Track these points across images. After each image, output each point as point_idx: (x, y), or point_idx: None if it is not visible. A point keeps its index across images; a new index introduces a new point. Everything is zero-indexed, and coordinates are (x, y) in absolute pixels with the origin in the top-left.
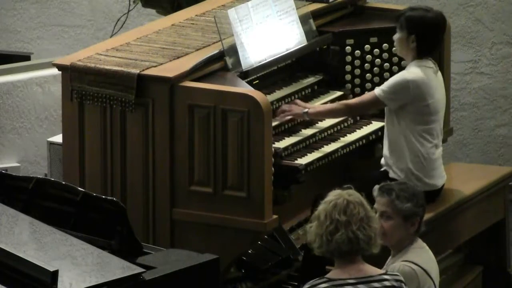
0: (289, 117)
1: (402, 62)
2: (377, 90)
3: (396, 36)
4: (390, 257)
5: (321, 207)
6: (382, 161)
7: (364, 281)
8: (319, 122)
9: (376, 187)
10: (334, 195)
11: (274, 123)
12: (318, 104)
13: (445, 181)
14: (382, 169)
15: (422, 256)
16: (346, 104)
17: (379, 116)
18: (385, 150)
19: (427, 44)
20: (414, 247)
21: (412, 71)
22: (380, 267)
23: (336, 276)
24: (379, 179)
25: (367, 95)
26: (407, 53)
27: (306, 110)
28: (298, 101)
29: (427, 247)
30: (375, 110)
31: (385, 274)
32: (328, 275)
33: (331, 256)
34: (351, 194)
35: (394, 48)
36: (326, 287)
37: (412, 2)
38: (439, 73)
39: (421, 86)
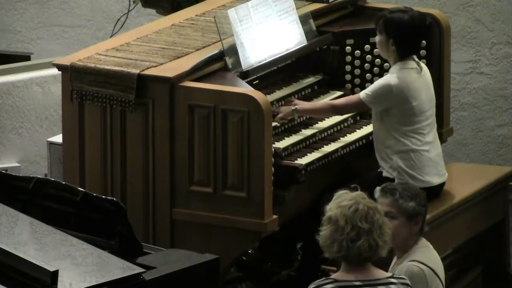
0: (285, 118)
1: None
2: (362, 93)
3: (376, 39)
4: (394, 259)
5: (338, 211)
6: None
7: (370, 284)
8: (319, 122)
9: (378, 188)
10: (349, 199)
11: (273, 124)
12: (307, 102)
13: (446, 180)
14: (379, 170)
15: (428, 256)
16: (331, 105)
17: None
18: (375, 151)
19: (406, 47)
20: (419, 246)
21: (395, 75)
22: (385, 269)
23: (343, 277)
24: (375, 180)
25: (352, 97)
26: (389, 56)
27: (295, 107)
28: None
29: (431, 246)
30: (361, 111)
31: (392, 277)
32: (334, 276)
33: (347, 261)
34: (365, 198)
35: (376, 50)
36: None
37: (412, 2)
38: (424, 70)
39: (404, 91)
